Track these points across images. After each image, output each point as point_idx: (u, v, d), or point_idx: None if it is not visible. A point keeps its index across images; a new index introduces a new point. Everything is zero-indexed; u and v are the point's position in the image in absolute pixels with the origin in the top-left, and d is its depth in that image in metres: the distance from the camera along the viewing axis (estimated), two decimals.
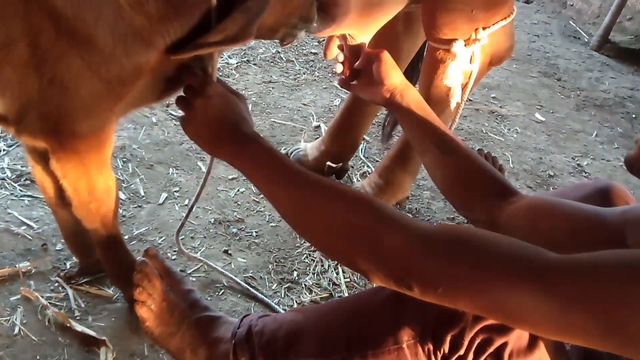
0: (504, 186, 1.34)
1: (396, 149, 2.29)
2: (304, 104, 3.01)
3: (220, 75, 2.31)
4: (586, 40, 4.70)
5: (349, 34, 1.62)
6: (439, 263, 0.95)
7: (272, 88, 3.04)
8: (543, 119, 3.45)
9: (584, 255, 0.89)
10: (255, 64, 3.23)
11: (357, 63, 1.54)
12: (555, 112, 3.58)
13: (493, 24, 1.84)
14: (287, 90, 3.10)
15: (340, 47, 1.59)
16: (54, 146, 1.31)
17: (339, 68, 1.57)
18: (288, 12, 1.35)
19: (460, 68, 1.89)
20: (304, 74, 3.28)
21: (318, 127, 2.83)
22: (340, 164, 2.44)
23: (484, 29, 1.83)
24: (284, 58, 3.38)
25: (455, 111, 1.99)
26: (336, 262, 2.03)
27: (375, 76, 1.47)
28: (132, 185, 2.17)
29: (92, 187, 1.41)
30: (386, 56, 1.47)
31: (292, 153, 2.51)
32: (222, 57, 3.16)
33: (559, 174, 2.93)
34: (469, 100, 3.30)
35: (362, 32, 1.72)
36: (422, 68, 2.04)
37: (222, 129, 1.23)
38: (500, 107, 3.46)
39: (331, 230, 1.06)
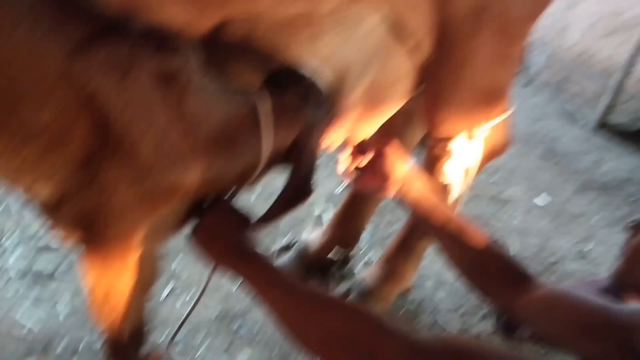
0: (519, 273, 1.35)
1: (398, 240, 2.30)
2: None
3: None
4: (584, 122, 4.78)
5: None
6: None
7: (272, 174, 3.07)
8: (544, 203, 3.47)
9: None
10: None
11: (362, 162, 1.55)
12: (556, 195, 3.60)
13: (490, 121, 1.88)
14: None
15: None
16: (82, 242, 1.35)
17: (343, 168, 1.59)
18: None
19: (457, 165, 1.93)
20: None
21: (319, 216, 2.85)
22: (342, 253, 2.45)
23: (480, 126, 1.87)
24: None
25: (454, 205, 2.01)
26: None
27: (380, 172, 1.48)
28: None
29: (108, 292, 1.43)
30: (390, 150, 1.49)
31: (293, 245, 2.52)
32: None
33: (561, 261, 2.92)
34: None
35: (367, 128, 1.77)
36: (424, 162, 2.07)
37: (228, 244, 1.28)
38: (500, 191, 3.48)
39: (329, 340, 1.07)
